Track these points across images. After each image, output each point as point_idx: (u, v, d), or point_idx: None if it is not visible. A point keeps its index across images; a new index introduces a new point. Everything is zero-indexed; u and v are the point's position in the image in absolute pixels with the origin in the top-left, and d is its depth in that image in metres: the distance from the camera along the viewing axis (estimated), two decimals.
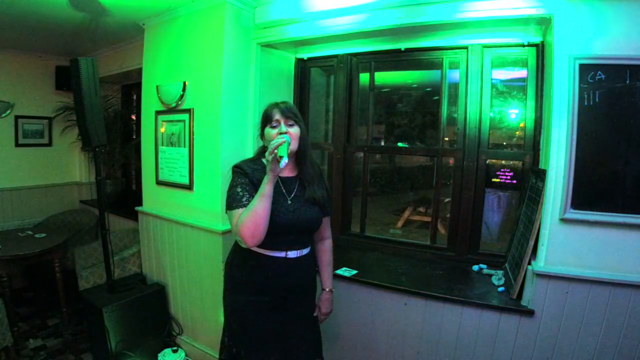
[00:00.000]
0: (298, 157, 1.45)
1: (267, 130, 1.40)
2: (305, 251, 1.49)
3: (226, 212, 1.37)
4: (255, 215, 1.25)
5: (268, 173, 1.26)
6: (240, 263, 1.47)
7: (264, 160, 1.45)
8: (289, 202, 1.42)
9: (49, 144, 3.84)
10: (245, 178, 1.38)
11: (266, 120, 1.42)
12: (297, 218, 1.41)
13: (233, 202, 1.34)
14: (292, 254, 1.43)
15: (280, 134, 1.33)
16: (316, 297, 1.64)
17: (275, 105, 1.41)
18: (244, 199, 1.33)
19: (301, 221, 1.42)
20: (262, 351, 1.43)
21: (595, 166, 1.49)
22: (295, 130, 1.38)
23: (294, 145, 1.37)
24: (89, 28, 2.79)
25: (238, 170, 1.41)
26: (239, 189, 1.35)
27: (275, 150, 1.21)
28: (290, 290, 1.46)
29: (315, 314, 1.65)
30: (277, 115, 1.38)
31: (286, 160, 1.21)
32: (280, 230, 1.36)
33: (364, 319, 1.99)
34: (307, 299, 1.58)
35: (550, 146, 1.55)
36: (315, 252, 1.66)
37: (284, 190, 1.43)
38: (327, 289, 1.67)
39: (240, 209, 1.31)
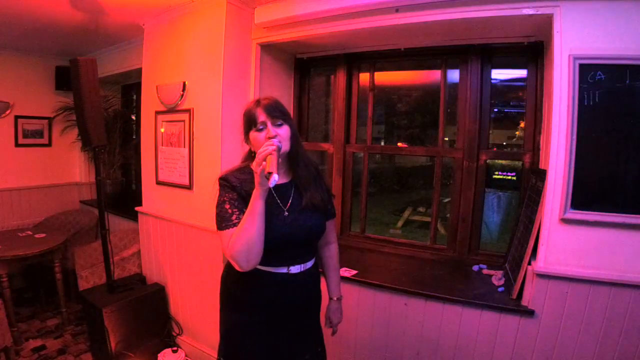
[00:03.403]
0: (290, 159, 1.28)
1: (253, 134, 1.22)
2: (309, 264, 1.33)
3: (217, 231, 1.21)
4: (247, 237, 1.10)
5: (257, 187, 1.09)
6: (238, 280, 1.29)
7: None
8: (286, 212, 1.25)
9: (49, 144, 3.83)
10: (233, 192, 1.20)
11: (249, 122, 1.23)
12: (297, 230, 1.25)
13: (222, 221, 1.17)
14: (294, 269, 1.27)
15: (269, 138, 1.16)
16: (320, 308, 1.51)
17: (257, 103, 1.22)
18: (234, 217, 1.16)
19: (302, 232, 1.26)
20: None
21: (595, 166, 1.49)
22: (284, 131, 1.20)
23: (286, 147, 1.20)
24: (89, 28, 2.79)
25: (224, 183, 1.23)
26: (227, 206, 1.18)
27: (264, 162, 1.05)
28: (294, 309, 1.31)
29: (326, 326, 1.54)
30: (262, 116, 1.19)
31: (276, 178, 1.03)
32: (279, 245, 1.21)
33: (363, 319, 1.99)
34: (312, 313, 1.42)
35: (550, 146, 1.55)
36: (319, 259, 1.52)
37: (278, 200, 1.25)
38: (336, 298, 1.54)
39: (231, 229, 1.15)
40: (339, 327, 1.62)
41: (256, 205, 1.11)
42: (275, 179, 1.03)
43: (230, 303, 1.35)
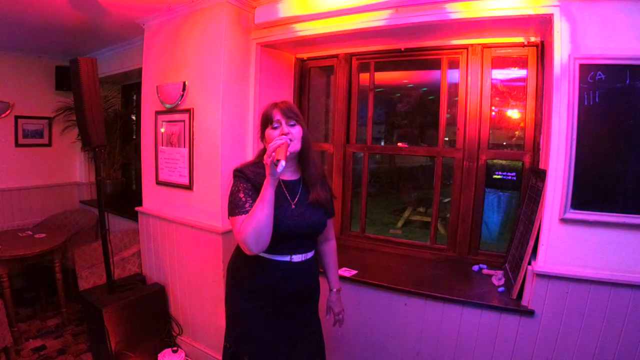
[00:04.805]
0: (301, 158, 1.41)
1: (268, 131, 1.35)
2: (310, 255, 1.44)
3: (228, 218, 1.33)
4: (257, 222, 1.21)
5: (267, 176, 1.20)
6: (243, 267, 1.42)
7: None
8: (293, 206, 1.37)
9: (49, 144, 3.84)
10: (247, 182, 1.32)
11: (266, 121, 1.36)
12: (302, 223, 1.36)
13: (235, 208, 1.29)
14: (297, 257, 1.39)
15: (283, 134, 1.29)
16: (319, 299, 1.59)
17: (275, 105, 1.35)
18: (247, 205, 1.28)
19: (306, 225, 1.37)
20: (265, 356, 1.38)
21: (595, 166, 1.49)
22: (297, 131, 1.33)
23: (297, 146, 1.33)
24: (89, 28, 2.79)
25: (239, 174, 1.35)
26: (241, 194, 1.30)
27: (274, 153, 1.16)
28: (295, 295, 1.41)
29: (327, 317, 1.64)
30: (277, 116, 1.32)
31: (284, 164, 1.15)
32: (284, 235, 1.32)
33: (363, 319, 1.99)
34: (312, 303, 1.52)
35: (550, 146, 1.55)
36: (319, 254, 1.64)
37: (287, 194, 1.38)
38: (335, 289, 1.65)
39: (243, 215, 1.27)
40: (337, 327, 1.67)
41: (267, 193, 1.21)
42: (282, 164, 1.15)
43: (236, 289, 1.44)
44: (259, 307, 1.38)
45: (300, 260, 1.40)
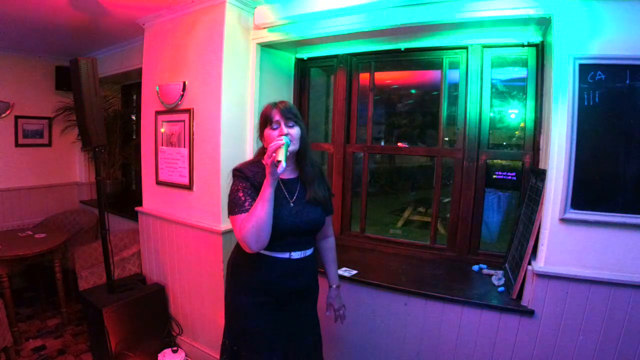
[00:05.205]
0: (299, 157, 1.44)
1: (267, 132, 1.37)
2: (309, 252, 1.47)
3: (228, 217, 1.36)
4: (257, 220, 1.24)
5: (267, 176, 1.24)
6: (243, 264, 1.45)
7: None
8: (292, 204, 1.40)
9: (49, 144, 3.84)
10: (246, 182, 1.35)
11: (265, 121, 1.39)
12: (301, 220, 1.39)
13: (235, 207, 1.32)
14: (296, 254, 1.42)
15: (282, 135, 1.31)
16: (318, 296, 1.62)
17: (274, 105, 1.38)
18: (246, 204, 1.31)
19: (304, 223, 1.40)
20: (264, 352, 1.41)
21: (595, 166, 1.49)
22: (296, 131, 1.36)
23: (295, 146, 1.36)
24: (89, 28, 2.79)
25: (238, 173, 1.38)
26: (240, 194, 1.33)
27: (274, 154, 1.19)
28: (294, 292, 1.45)
29: (328, 313, 1.67)
30: (277, 116, 1.35)
31: (284, 165, 1.19)
32: (283, 232, 1.35)
33: (364, 319, 1.99)
34: (310, 300, 1.55)
35: (550, 146, 1.56)
36: (318, 251, 1.66)
37: (285, 193, 1.41)
38: (335, 286, 1.68)
39: (243, 214, 1.30)
40: (337, 327, 1.68)
41: (267, 192, 1.25)
42: (283, 166, 1.18)
43: (236, 285, 1.47)
44: (258, 303, 1.41)
45: (299, 257, 1.43)
